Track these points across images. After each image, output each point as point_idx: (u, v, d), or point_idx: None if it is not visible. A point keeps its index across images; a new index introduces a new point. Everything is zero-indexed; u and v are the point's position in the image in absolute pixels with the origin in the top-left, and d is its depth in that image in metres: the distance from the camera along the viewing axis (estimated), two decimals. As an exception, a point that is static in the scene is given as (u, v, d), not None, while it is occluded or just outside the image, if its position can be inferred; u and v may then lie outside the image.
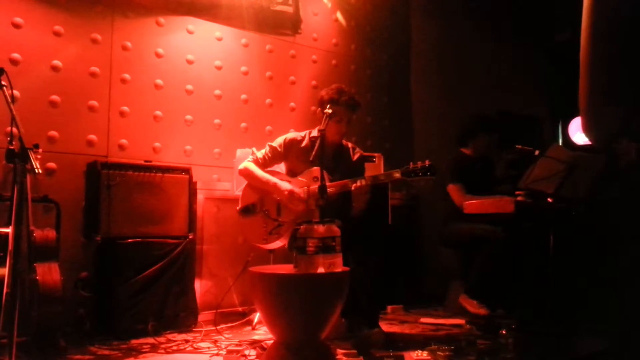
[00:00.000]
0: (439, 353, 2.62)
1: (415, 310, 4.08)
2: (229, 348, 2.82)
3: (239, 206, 3.25)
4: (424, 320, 3.70)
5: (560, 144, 6.35)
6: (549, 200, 3.37)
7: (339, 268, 2.47)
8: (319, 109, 3.16)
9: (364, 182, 2.92)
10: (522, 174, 3.42)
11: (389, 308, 4.02)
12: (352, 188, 2.92)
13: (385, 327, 3.18)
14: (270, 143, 3.27)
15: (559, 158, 3.32)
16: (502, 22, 6.00)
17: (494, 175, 4.09)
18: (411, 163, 2.82)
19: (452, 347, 2.70)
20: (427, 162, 2.77)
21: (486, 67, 5.92)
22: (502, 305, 3.67)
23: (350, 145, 3.38)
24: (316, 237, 2.42)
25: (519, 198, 3.42)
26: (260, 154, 3.24)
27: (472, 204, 3.57)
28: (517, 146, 3.66)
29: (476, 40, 5.85)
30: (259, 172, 3.16)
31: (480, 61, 5.88)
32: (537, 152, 3.51)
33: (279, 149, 3.23)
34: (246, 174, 3.19)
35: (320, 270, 2.39)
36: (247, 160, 3.23)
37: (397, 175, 2.84)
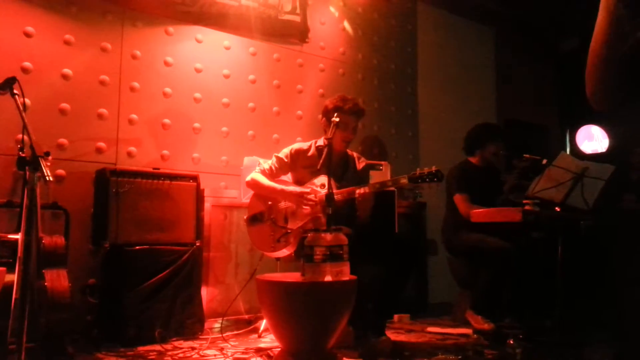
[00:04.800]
0: (446, 362, 2.61)
1: (422, 319, 4.07)
2: (235, 356, 2.82)
3: (247, 215, 3.25)
4: (430, 329, 3.69)
5: (568, 152, 6.33)
6: (557, 209, 3.36)
7: (347, 276, 2.47)
8: (324, 118, 3.23)
9: (371, 188, 2.92)
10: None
11: (396, 317, 4.01)
12: (359, 194, 2.93)
13: (392, 336, 3.17)
14: (276, 154, 3.28)
15: (566, 167, 3.31)
16: (508, 31, 6.01)
17: (500, 184, 4.08)
18: (418, 169, 2.83)
19: (460, 357, 2.70)
20: (433, 168, 2.77)
21: (493, 76, 5.94)
22: (510, 315, 3.65)
23: (355, 154, 3.40)
24: (324, 245, 2.42)
25: (527, 207, 3.41)
26: (266, 165, 3.25)
27: (479, 213, 3.57)
28: (524, 155, 3.66)
29: (483, 49, 5.87)
30: (266, 181, 3.17)
31: (487, 70, 5.90)
32: (544, 161, 3.50)
33: (286, 160, 3.25)
34: (254, 184, 3.21)
35: (328, 278, 2.40)
36: (254, 171, 3.24)
37: (404, 180, 2.85)
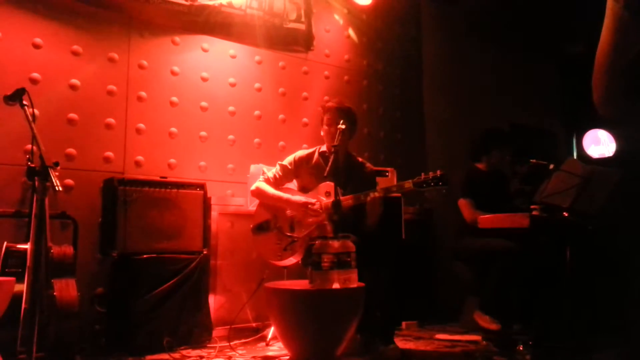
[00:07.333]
0: (455, 370, 2.60)
1: (430, 326, 4.04)
2: (244, 364, 2.82)
3: (252, 224, 3.26)
4: (439, 336, 3.67)
5: (575, 157, 6.30)
6: (565, 214, 3.34)
7: (354, 284, 2.47)
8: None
9: (376, 194, 2.92)
10: (536, 188, 3.40)
11: (404, 324, 3.99)
12: (366, 201, 2.93)
13: (400, 343, 3.15)
14: (280, 162, 3.30)
15: (574, 172, 3.29)
16: (513, 36, 6.00)
17: (508, 190, 4.06)
18: (422, 173, 2.82)
19: (469, 364, 2.68)
20: (438, 172, 2.77)
21: (498, 80, 5.92)
22: (519, 321, 3.62)
23: (361, 160, 3.40)
24: (331, 252, 2.42)
25: (534, 212, 3.39)
26: (270, 173, 3.27)
27: (487, 219, 3.55)
28: (531, 160, 3.64)
29: (488, 54, 5.86)
30: (270, 190, 3.18)
31: (493, 75, 5.89)
32: (551, 166, 3.49)
33: (290, 167, 3.26)
34: (258, 193, 3.22)
35: (336, 285, 2.39)
36: (259, 180, 3.25)
37: (409, 185, 2.84)
